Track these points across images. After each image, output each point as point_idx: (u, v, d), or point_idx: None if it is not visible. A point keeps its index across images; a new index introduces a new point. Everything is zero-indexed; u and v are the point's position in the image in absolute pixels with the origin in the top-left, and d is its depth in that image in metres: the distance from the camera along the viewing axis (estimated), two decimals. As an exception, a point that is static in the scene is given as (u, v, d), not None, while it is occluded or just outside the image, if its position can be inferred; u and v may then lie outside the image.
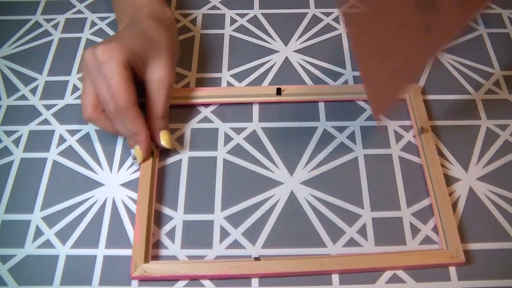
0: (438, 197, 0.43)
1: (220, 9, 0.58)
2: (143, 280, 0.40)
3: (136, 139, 0.43)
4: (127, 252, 0.41)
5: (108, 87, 0.41)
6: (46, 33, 0.56)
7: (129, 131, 0.43)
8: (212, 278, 0.40)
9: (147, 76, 0.45)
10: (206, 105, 0.49)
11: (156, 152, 0.46)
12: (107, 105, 0.42)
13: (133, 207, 0.44)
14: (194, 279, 0.40)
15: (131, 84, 0.42)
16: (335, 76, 0.52)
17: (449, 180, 0.45)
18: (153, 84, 0.45)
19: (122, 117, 0.42)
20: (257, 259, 0.40)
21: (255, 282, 0.40)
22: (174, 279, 0.40)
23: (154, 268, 0.39)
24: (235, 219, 0.43)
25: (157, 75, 0.44)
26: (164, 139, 0.45)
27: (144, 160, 0.44)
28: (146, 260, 0.40)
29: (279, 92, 0.48)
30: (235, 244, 0.42)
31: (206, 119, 0.49)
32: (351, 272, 0.40)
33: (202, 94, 0.49)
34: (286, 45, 0.54)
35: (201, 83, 0.51)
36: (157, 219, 0.43)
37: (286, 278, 0.40)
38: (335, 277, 0.40)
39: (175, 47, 0.48)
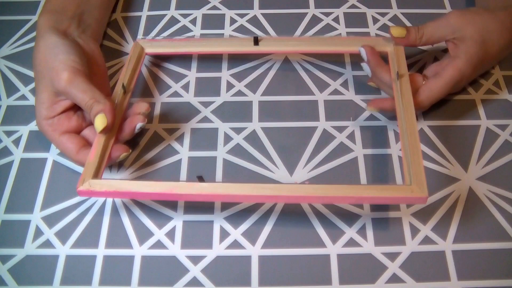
0: (407, 139, 0.41)
1: (220, 9, 0.58)
2: (87, 195, 0.40)
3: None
4: (127, 252, 0.41)
5: None
6: (46, 33, 0.56)
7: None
8: (153, 198, 0.40)
9: (62, 93, 0.43)
10: (183, 54, 0.51)
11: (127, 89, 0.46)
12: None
13: (133, 207, 0.44)
14: (137, 198, 0.42)
15: (63, 137, 0.43)
16: (335, 76, 0.52)
17: (449, 180, 0.45)
18: (65, 96, 0.43)
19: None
20: (200, 179, 0.39)
21: (255, 282, 0.40)
22: (118, 196, 0.41)
23: (100, 183, 0.40)
24: (235, 219, 0.43)
25: (56, 90, 0.42)
26: (95, 126, 0.41)
27: (105, 128, 0.41)
28: (95, 177, 0.40)
29: (256, 42, 0.48)
30: (235, 244, 0.42)
31: (206, 119, 0.49)
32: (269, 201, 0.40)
33: (178, 44, 0.50)
34: (286, 45, 0.54)
35: (201, 82, 0.51)
36: (157, 219, 0.43)
37: (286, 278, 0.40)
38: (335, 277, 0.40)
39: (50, 58, 0.44)
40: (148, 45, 0.51)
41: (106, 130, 0.42)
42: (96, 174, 0.40)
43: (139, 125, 0.44)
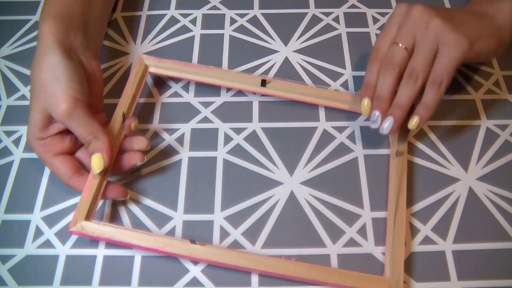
0: (393, 226, 0.41)
1: (220, 9, 0.58)
2: (79, 235, 0.40)
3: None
4: (127, 252, 0.41)
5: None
6: (46, 33, 0.56)
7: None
8: (144, 250, 0.40)
9: (59, 121, 0.41)
10: (190, 81, 0.51)
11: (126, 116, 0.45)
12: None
13: (133, 207, 0.44)
14: (128, 247, 0.40)
15: (56, 159, 0.41)
16: (335, 76, 0.52)
17: (449, 180, 0.45)
18: (63, 125, 0.42)
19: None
20: (192, 242, 0.39)
21: (255, 281, 0.40)
22: (110, 242, 0.40)
23: (92, 227, 0.40)
24: (235, 219, 0.43)
25: (54, 118, 0.41)
26: (92, 166, 0.41)
27: (102, 171, 0.41)
28: (87, 218, 0.40)
29: (263, 84, 0.48)
30: (235, 244, 0.42)
31: (206, 119, 0.49)
32: (271, 276, 0.39)
33: (185, 69, 0.49)
34: (286, 45, 0.54)
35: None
36: (157, 219, 0.43)
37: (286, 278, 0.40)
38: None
39: (51, 82, 0.41)
40: (152, 63, 0.49)
41: (102, 172, 0.41)
42: (89, 215, 0.40)
43: (138, 163, 0.43)
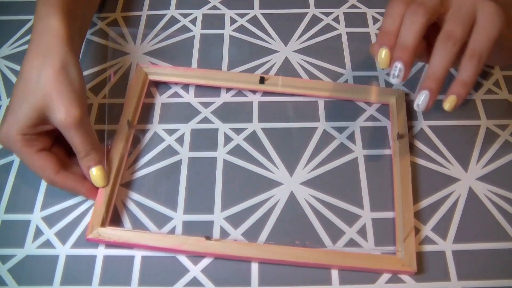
0: (402, 206, 0.42)
1: (220, 9, 0.58)
2: (96, 242, 0.41)
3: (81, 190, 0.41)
4: (127, 252, 0.41)
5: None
6: (46, 33, 0.56)
7: (72, 191, 0.42)
8: (163, 251, 0.41)
9: (54, 124, 0.40)
10: (187, 84, 0.51)
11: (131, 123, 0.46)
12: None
13: (133, 207, 0.44)
14: (146, 249, 0.41)
15: (42, 154, 0.40)
16: (335, 76, 0.52)
17: (449, 180, 0.45)
18: (61, 129, 0.40)
19: (56, 185, 0.41)
20: (208, 238, 0.40)
21: (255, 281, 0.40)
22: (126, 247, 0.41)
23: (109, 233, 0.41)
24: (235, 219, 0.43)
25: (58, 121, 0.39)
26: (93, 178, 0.41)
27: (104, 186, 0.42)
28: (102, 225, 0.41)
29: (262, 81, 0.48)
30: (235, 244, 0.42)
31: (206, 120, 0.49)
32: (272, 263, 0.40)
33: (185, 74, 0.50)
34: (286, 45, 0.54)
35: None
36: (157, 219, 0.43)
37: (286, 278, 0.40)
38: (335, 277, 0.40)
39: (64, 83, 0.39)
40: (152, 71, 0.50)
41: (107, 185, 0.42)
42: (104, 221, 0.41)
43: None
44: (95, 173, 0.41)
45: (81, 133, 0.40)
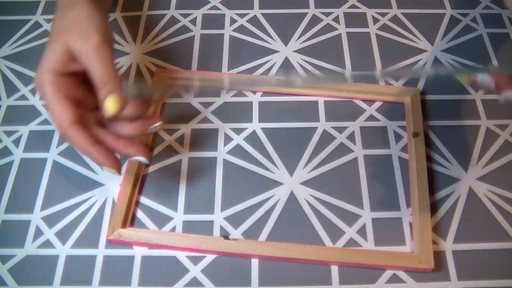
0: (418, 202, 0.42)
1: (220, 9, 0.58)
2: (117, 243, 0.41)
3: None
4: (127, 252, 0.41)
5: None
6: (46, 33, 0.56)
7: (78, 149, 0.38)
8: (181, 250, 0.41)
9: (75, 54, 0.38)
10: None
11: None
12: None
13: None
14: (165, 249, 0.41)
15: (64, 100, 0.37)
16: (335, 76, 0.52)
17: (449, 180, 0.45)
18: (81, 60, 0.38)
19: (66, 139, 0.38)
20: (226, 238, 0.41)
21: (255, 282, 0.40)
22: (147, 246, 0.41)
23: (129, 234, 0.41)
24: (235, 219, 0.43)
25: (78, 49, 0.38)
26: (105, 105, 0.37)
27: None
28: (123, 226, 0.42)
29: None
30: (235, 244, 0.42)
31: (206, 120, 0.49)
32: (273, 260, 0.41)
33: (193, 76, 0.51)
34: (286, 45, 0.54)
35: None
36: (157, 219, 0.43)
37: (286, 278, 0.40)
38: (335, 277, 0.40)
39: (85, 17, 0.39)
40: (169, 76, 0.51)
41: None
42: (125, 222, 0.42)
43: (157, 125, 0.40)
44: (107, 101, 0.37)
45: (99, 61, 0.38)
